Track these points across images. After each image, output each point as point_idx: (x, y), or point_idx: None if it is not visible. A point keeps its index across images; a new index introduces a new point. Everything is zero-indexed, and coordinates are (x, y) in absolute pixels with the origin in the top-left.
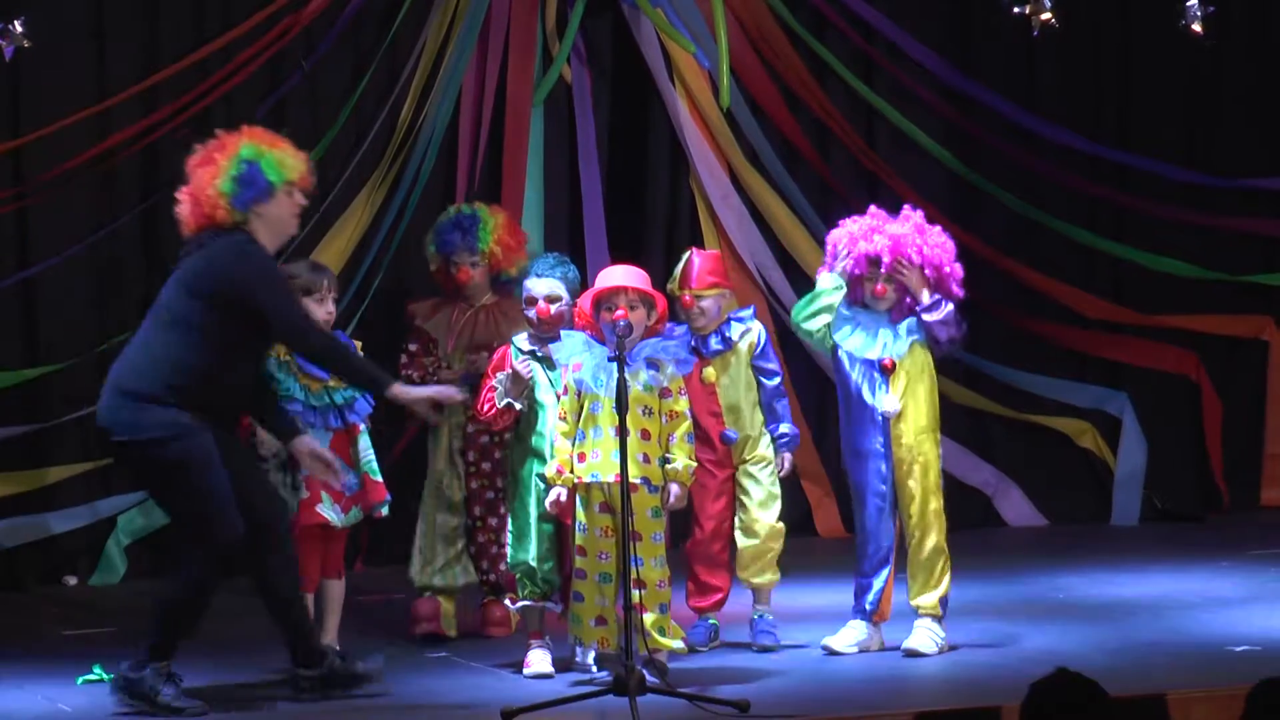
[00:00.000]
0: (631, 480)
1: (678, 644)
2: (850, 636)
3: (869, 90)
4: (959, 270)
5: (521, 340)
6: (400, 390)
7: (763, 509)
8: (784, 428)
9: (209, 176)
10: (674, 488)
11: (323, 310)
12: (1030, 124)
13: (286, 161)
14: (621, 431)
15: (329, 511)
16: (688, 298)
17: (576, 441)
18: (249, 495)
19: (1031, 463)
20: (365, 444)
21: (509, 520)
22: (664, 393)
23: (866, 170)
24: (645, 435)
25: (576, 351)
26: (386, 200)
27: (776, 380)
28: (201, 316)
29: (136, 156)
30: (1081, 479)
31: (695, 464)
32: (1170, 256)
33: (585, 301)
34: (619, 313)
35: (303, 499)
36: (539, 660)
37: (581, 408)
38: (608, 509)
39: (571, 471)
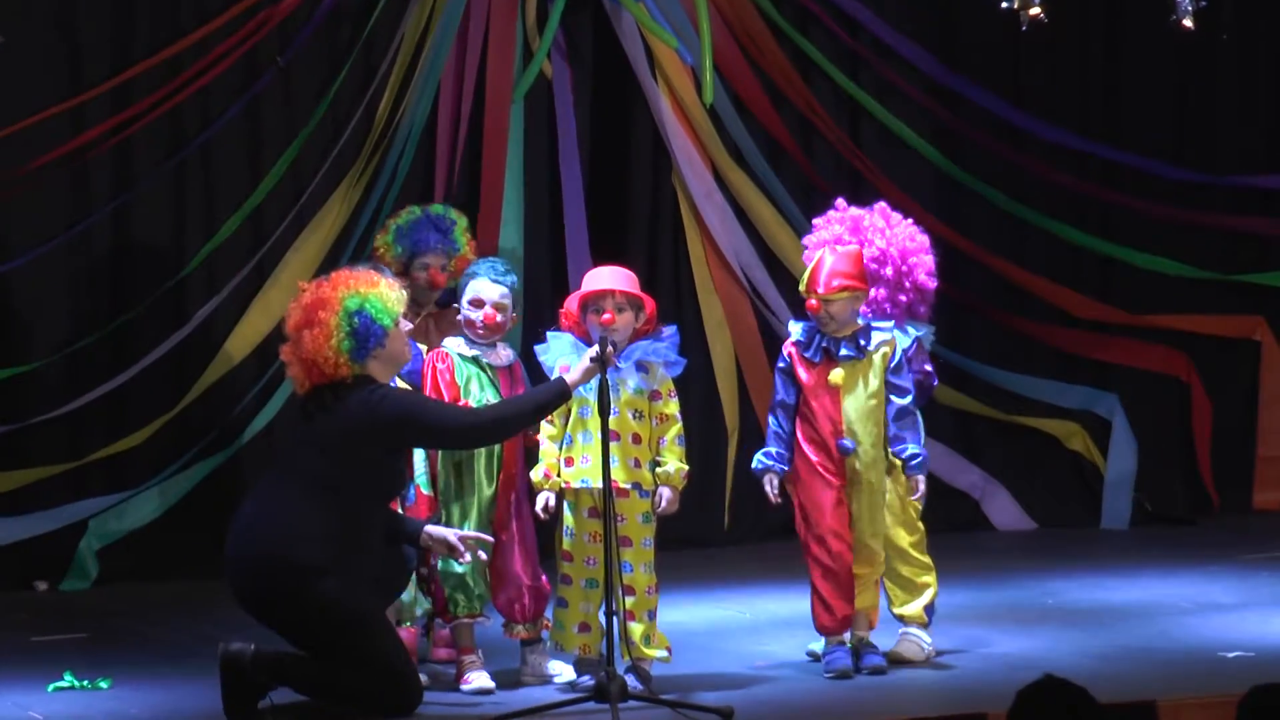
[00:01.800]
0: (622, 485)
1: (661, 654)
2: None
3: (854, 86)
4: (930, 261)
5: (457, 344)
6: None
7: (873, 533)
8: (911, 449)
9: (322, 338)
10: (665, 492)
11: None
12: (1017, 120)
13: (389, 297)
14: (603, 436)
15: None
16: (814, 303)
17: (564, 445)
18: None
19: (1019, 465)
20: (418, 456)
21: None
22: (654, 395)
23: (851, 167)
24: (636, 439)
25: (564, 354)
26: (363, 197)
27: (906, 400)
28: (342, 477)
29: (109, 154)
30: (1070, 482)
31: (687, 467)
32: (1160, 255)
33: (572, 303)
34: (606, 316)
35: None
36: (478, 677)
37: (569, 411)
38: (597, 514)
39: (558, 475)
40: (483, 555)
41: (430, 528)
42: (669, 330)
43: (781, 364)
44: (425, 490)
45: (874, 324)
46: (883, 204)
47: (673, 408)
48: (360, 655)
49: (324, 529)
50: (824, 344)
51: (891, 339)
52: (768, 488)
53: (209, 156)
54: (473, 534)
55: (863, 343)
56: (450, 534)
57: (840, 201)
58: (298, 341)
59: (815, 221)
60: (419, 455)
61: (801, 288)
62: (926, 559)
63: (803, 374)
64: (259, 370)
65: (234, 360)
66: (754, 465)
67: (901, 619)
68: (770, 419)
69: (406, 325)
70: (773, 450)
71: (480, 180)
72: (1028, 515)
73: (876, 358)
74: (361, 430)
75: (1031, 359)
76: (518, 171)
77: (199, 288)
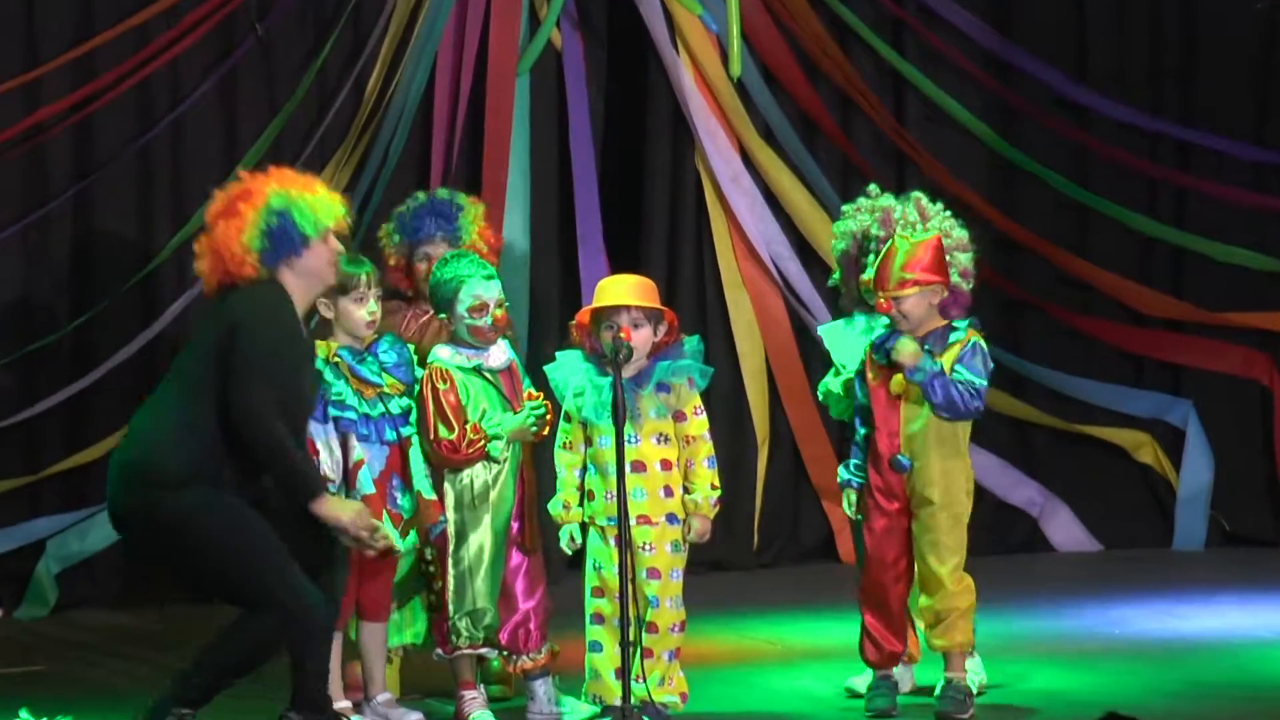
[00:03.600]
0: (654, 519)
1: (673, 699)
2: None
3: (898, 57)
4: (969, 260)
5: (452, 355)
6: (326, 507)
7: (940, 560)
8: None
9: (234, 230)
10: (695, 522)
11: (363, 310)
12: (1080, 96)
13: (321, 207)
14: (618, 447)
15: (391, 535)
16: (883, 301)
17: (589, 476)
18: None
19: (1082, 479)
20: (416, 456)
21: (449, 559)
22: (678, 416)
23: (894, 147)
24: (665, 466)
25: (574, 373)
26: (350, 182)
27: (971, 380)
28: (220, 385)
29: (68, 134)
30: (1139, 498)
31: (719, 493)
32: (1239, 246)
33: (583, 315)
34: (621, 330)
35: None
36: (482, 717)
37: (588, 440)
38: (630, 544)
39: (580, 505)
40: (398, 549)
41: (331, 503)
42: (691, 342)
43: (859, 365)
44: (428, 494)
45: (956, 322)
46: (919, 195)
47: (700, 427)
48: (231, 582)
49: (193, 439)
50: (889, 345)
51: (961, 338)
52: (845, 504)
53: (179, 136)
54: (382, 528)
55: (928, 346)
56: (353, 517)
57: (872, 188)
58: (211, 231)
59: (845, 208)
60: (417, 454)
61: (867, 280)
62: (968, 581)
63: (871, 378)
64: None
65: None
66: (838, 477)
67: (939, 650)
68: (856, 423)
69: (338, 247)
70: (852, 463)
71: (481, 164)
72: (1091, 535)
73: (944, 361)
74: (223, 331)
75: (1096, 361)
76: (523, 154)
77: (169, 282)
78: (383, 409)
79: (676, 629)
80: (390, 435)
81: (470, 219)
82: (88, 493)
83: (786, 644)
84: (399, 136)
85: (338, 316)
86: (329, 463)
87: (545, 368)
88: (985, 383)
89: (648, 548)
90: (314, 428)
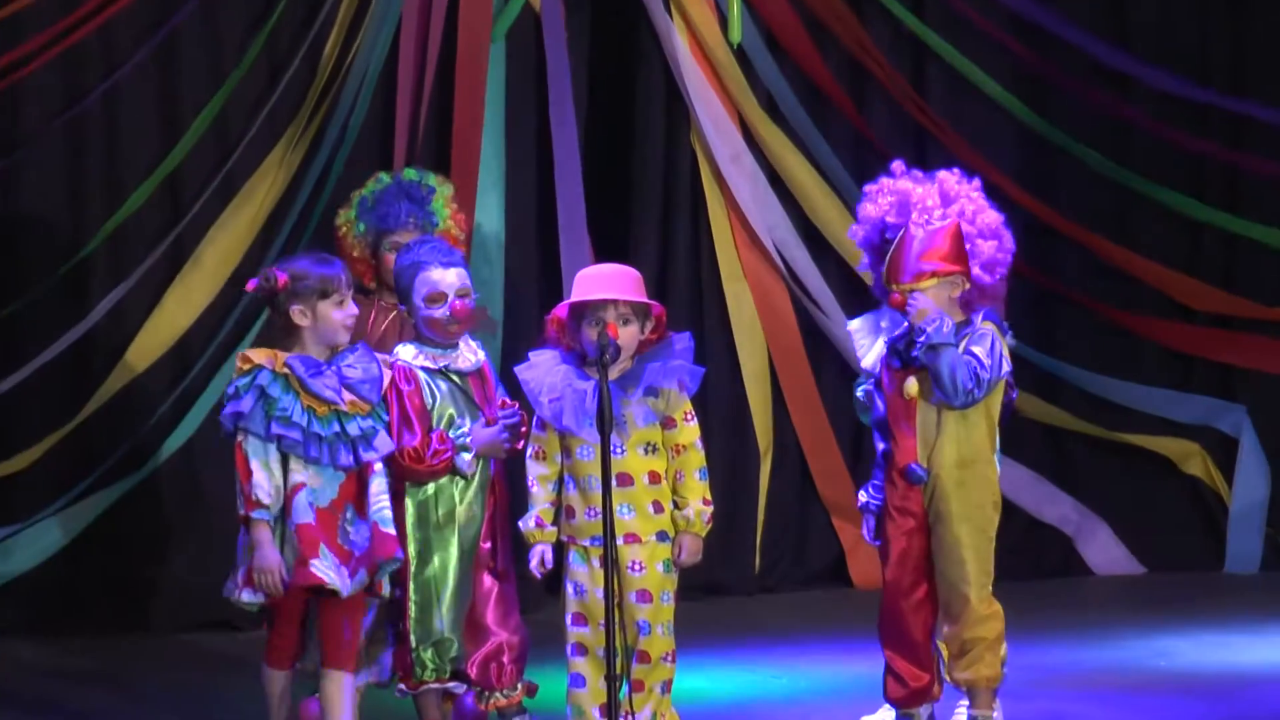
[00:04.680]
0: (643, 537)
1: None
2: (892, 716)
3: (918, 21)
4: (993, 249)
5: (412, 354)
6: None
7: (964, 581)
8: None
9: None
10: (686, 540)
11: (344, 315)
12: (1121, 64)
13: None
14: (604, 460)
15: (328, 571)
16: (896, 295)
17: (564, 492)
18: None
19: (1123, 494)
20: (380, 487)
21: (411, 583)
22: (667, 423)
23: (914, 122)
24: (653, 479)
25: (550, 376)
26: (304, 161)
27: (975, 366)
28: None
29: None
30: (1187, 515)
31: (710, 508)
32: None
33: (563, 309)
34: (607, 326)
35: (298, 555)
36: None
37: (566, 450)
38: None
39: (554, 524)
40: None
41: None
42: (681, 339)
43: (877, 369)
44: (385, 527)
45: (981, 314)
46: (945, 174)
47: (691, 434)
48: None
49: None
50: (900, 345)
51: (973, 332)
52: (865, 530)
53: (113, 109)
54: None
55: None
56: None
57: (897, 164)
58: None
59: (867, 189)
60: (380, 484)
61: (884, 272)
62: (996, 606)
63: (887, 382)
64: (176, 373)
65: (145, 362)
66: (857, 501)
67: (962, 685)
68: (875, 438)
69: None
70: (871, 484)
71: (451, 141)
72: (1133, 556)
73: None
74: None
75: (1138, 362)
76: (497, 130)
77: (102, 272)
78: (338, 429)
79: (669, 659)
80: (347, 460)
81: (443, 202)
82: (14, 506)
83: (793, 678)
84: (358, 110)
85: (315, 323)
86: (265, 485)
87: (516, 369)
88: (989, 374)
89: (637, 568)
90: (253, 445)
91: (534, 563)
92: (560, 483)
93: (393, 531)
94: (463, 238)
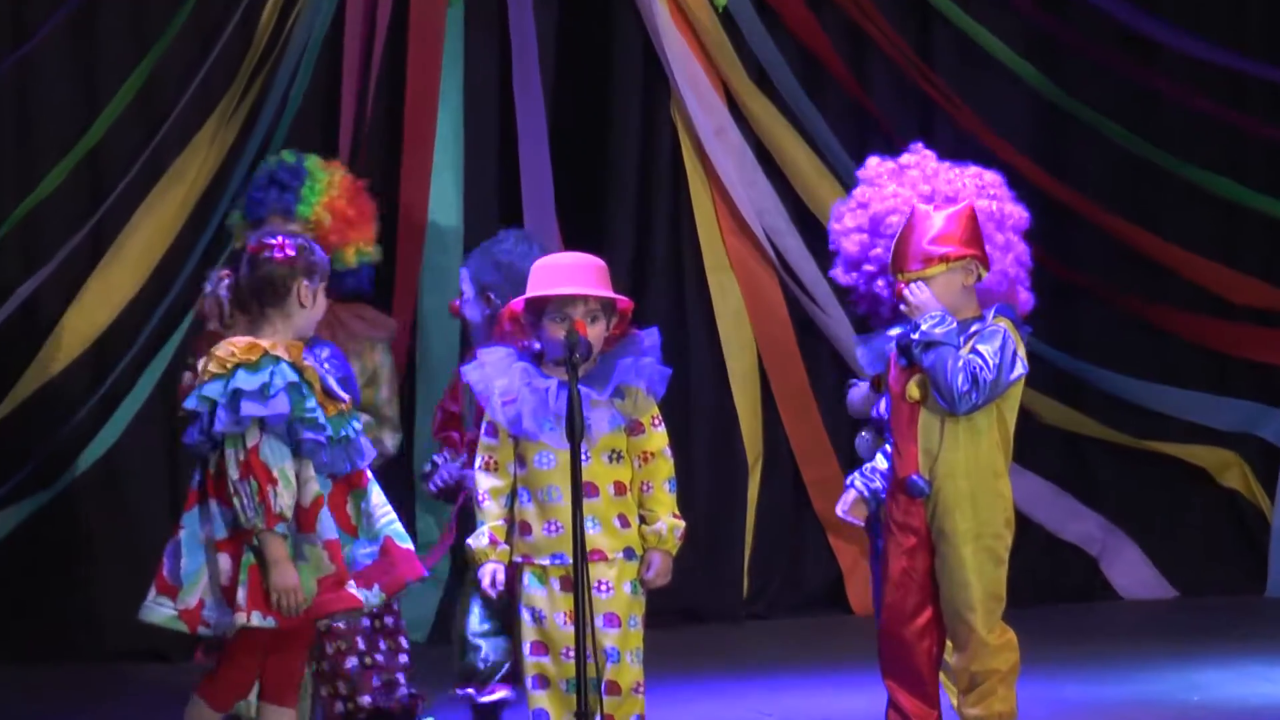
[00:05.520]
0: (609, 554)
1: None
2: None
3: None
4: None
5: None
6: None
7: (968, 607)
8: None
9: None
10: (655, 558)
11: (316, 307)
12: (1149, 28)
13: None
14: (574, 473)
15: (361, 591)
16: (900, 284)
17: (519, 505)
18: None
19: (1153, 509)
20: (380, 497)
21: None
22: (634, 428)
23: (920, 92)
24: (619, 490)
25: (501, 374)
26: (240, 137)
27: (976, 367)
28: None
29: None
30: (1224, 532)
31: (682, 524)
32: None
33: (518, 304)
34: (574, 324)
35: (327, 574)
36: None
37: (520, 458)
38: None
39: (507, 542)
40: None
41: None
42: (649, 335)
43: (883, 367)
44: (402, 544)
45: (997, 309)
46: (981, 172)
47: (660, 441)
48: None
49: None
50: (905, 339)
51: (984, 329)
52: (839, 503)
53: (26, 80)
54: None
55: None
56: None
57: (918, 147)
58: None
59: (873, 166)
60: (380, 494)
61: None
62: (1009, 635)
63: (893, 383)
64: (96, 375)
65: (62, 362)
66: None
67: None
68: (886, 436)
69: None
70: (867, 466)
71: (403, 114)
72: (1164, 579)
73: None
74: None
75: (1169, 361)
76: (455, 100)
77: (13, 261)
78: (347, 432)
79: (639, 690)
80: (346, 466)
81: (318, 189)
82: None
83: (782, 713)
84: (300, 80)
85: (312, 309)
86: (286, 496)
87: (463, 368)
88: (992, 376)
89: (604, 588)
90: (274, 449)
91: (486, 582)
92: (512, 496)
93: (410, 547)
94: (339, 223)
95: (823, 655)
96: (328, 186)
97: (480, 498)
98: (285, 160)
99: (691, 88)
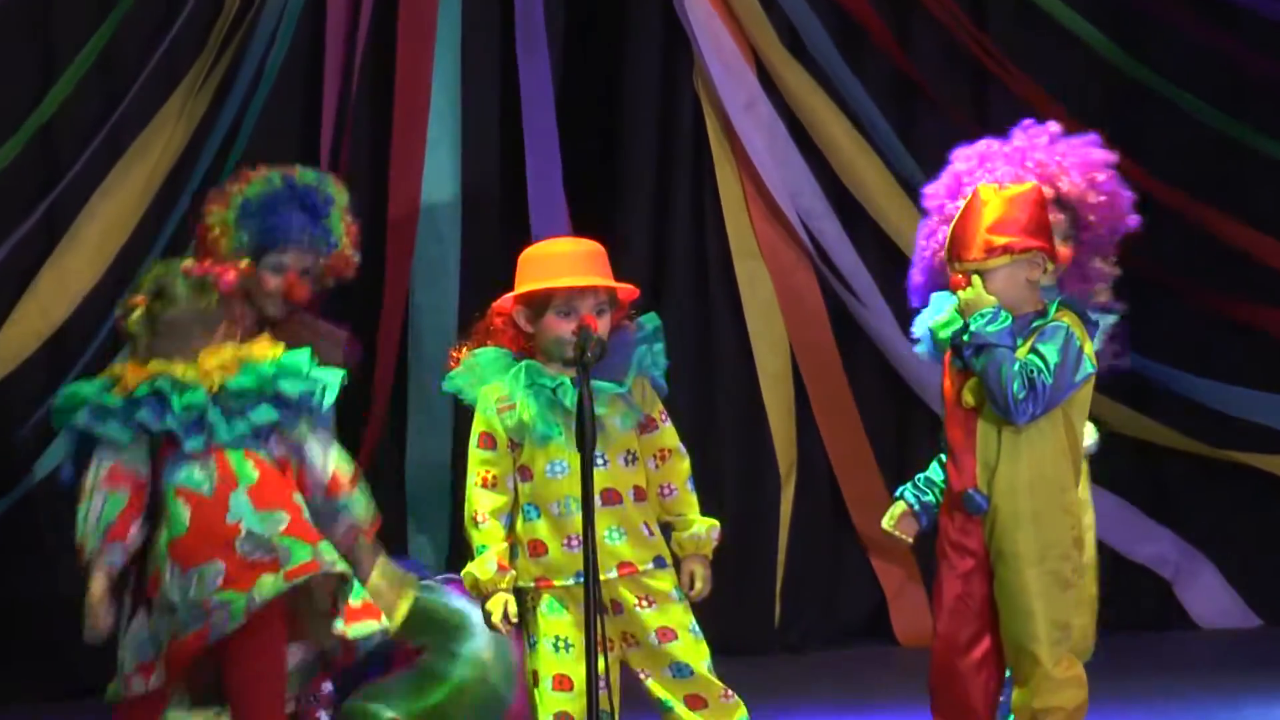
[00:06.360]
0: (640, 566)
1: None
2: None
3: None
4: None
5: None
6: None
7: (1032, 638)
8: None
9: None
10: (698, 566)
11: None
12: None
13: None
14: (585, 483)
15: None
16: (958, 275)
17: (524, 522)
18: None
19: (1234, 528)
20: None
21: None
22: (646, 425)
23: (974, 61)
24: (639, 495)
25: (495, 376)
26: (210, 113)
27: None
28: None
29: None
30: None
31: (717, 523)
32: None
33: (509, 299)
34: (584, 318)
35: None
36: None
37: (525, 470)
38: (600, 608)
39: (510, 565)
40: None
41: None
42: (649, 322)
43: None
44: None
45: (1063, 301)
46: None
47: (673, 436)
48: None
49: None
50: (956, 340)
51: (1043, 327)
52: (885, 518)
53: None
54: None
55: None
56: None
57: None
58: None
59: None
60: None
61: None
62: (1077, 669)
63: (948, 386)
64: (52, 374)
65: (14, 359)
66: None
67: None
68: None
69: None
70: (922, 476)
71: (394, 90)
72: (1247, 606)
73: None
74: None
75: (1252, 362)
76: (452, 74)
77: None
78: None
79: (729, 697)
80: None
81: (340, 214)
82: None
83: None
84: (277, 48)
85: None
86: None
87: (449, 375)
88: (1051, 380)
89: (646, 603)
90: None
91: (497, 615)
92: (513, 514)
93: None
94: (356, 258)
95: (864, 690)
96: (345, 212)
97: (480, 518)
98: (308, 181)
99: (717, 55)
